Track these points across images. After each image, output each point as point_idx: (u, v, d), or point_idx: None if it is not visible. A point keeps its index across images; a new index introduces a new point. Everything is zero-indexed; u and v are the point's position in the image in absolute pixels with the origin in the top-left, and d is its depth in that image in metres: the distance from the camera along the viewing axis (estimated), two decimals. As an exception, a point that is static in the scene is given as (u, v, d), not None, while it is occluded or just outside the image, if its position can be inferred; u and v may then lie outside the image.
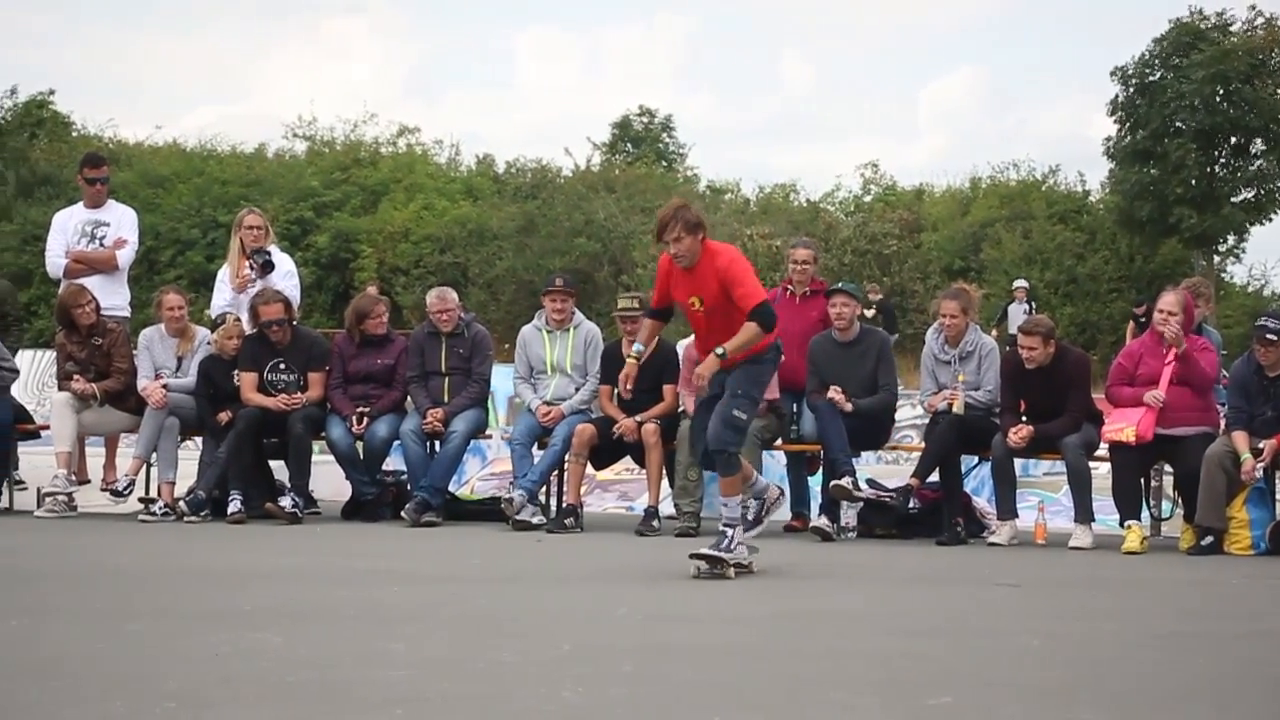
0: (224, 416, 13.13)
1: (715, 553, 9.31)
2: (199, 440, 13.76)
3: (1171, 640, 7.29)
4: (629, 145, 54.83)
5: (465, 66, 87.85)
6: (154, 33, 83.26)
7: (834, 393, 12.56)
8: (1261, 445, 11.74)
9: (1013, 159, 49.50)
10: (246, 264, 13.93)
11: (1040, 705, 5.43)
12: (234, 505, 12.76)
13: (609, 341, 13.73)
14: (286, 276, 14.17)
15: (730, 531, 9.37)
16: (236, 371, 13.30)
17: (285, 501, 12.90)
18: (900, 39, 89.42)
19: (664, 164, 53.91)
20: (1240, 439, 11.78)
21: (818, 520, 12.51)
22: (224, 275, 14.28)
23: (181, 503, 12.93)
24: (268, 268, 13.89)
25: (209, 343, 13.53)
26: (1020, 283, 33.03)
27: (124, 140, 50.75)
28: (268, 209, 37.79)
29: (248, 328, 13.42)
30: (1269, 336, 11.82)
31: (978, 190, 48.58)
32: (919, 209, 46.92)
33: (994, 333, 26.24)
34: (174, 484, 13.18)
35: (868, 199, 50.09)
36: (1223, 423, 12.24)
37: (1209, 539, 11.75)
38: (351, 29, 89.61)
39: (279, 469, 13.52)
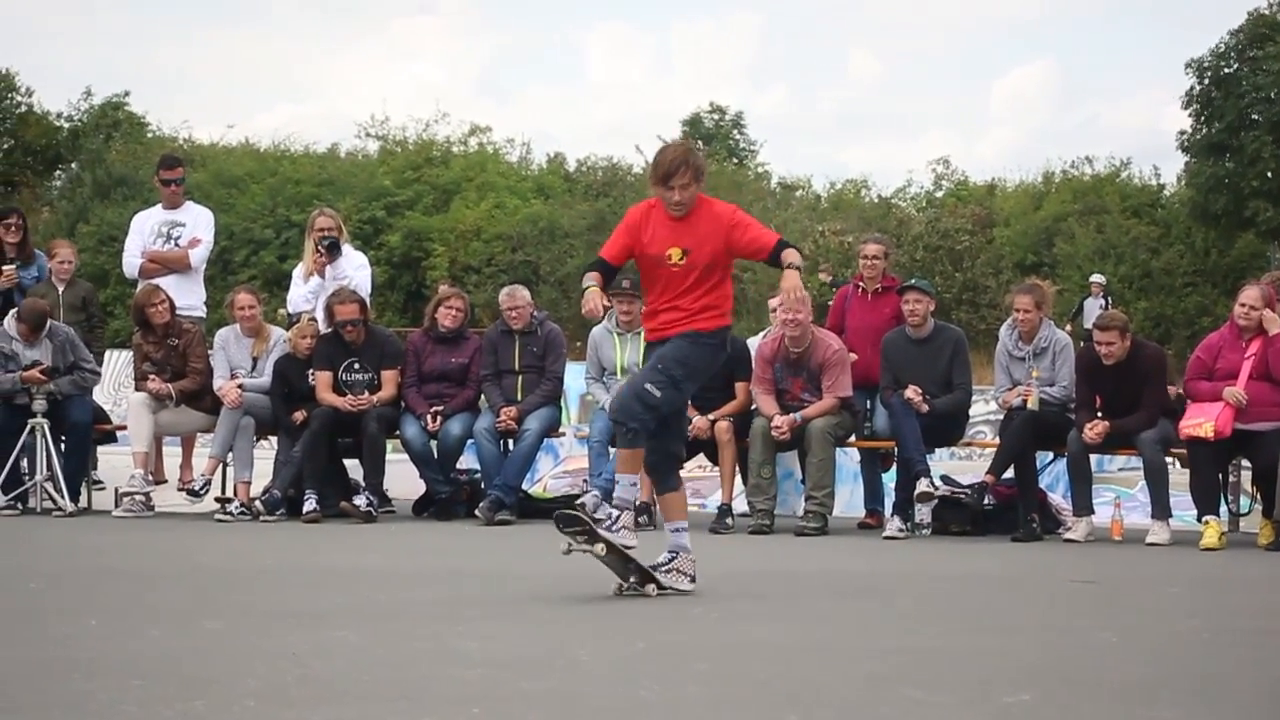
0: (299, 416, 13.20)
1: (589, 519, 8.51)
2: (274, 440, 13.83)
3: (1252, 637, 7.23)
4: (700, 142, 54.82)
5: (536, 64, 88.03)
6: (226, 33, 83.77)
7: (911, 393, 12.51)
8: None
9: (1086, 153, 49.20)
10: (319, 251, 13.98)
11: (1120, 702, 5.39)
12: (309, 504, 12.82)
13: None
14: (359, 269, 14.24)
15: (616, 513, 8.47)
16: (311, 371, 13.36)
17: (360, 500, 12.96)
18: (970, 32, 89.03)
19: (735, 160, 53.90)
20: None
21: (890, 525, 12.46)
22: (299, 274, 14.36)
23: (257, 502, 13.02)
24: (334, 250, 13.95)
25: (284, 341, 13.60)
26: (1097, 278, 32.85)
27: (198, 141, 51.16)
28: (340, 208, 38.08)
29: (323, 327, 13.49)
30: None
31: (1050, 185, 48.38)
32: (991, 204, 46.74)
33: (1069, 328, 26.08)
34: (250, 483, 13.25)
35: (939, 194, 49.92)
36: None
37: (1289, 534, 11.66)
38: (423, 28, 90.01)
39: (354, 468, 13.58)
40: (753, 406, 13.00)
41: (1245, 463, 12.79)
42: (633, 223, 8.63)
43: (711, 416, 12.88)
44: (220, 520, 12.89)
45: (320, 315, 13.65)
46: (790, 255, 8.34)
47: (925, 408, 12.53)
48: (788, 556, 10.96)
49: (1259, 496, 12.56)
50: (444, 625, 7.10)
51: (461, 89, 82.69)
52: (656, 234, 8.47)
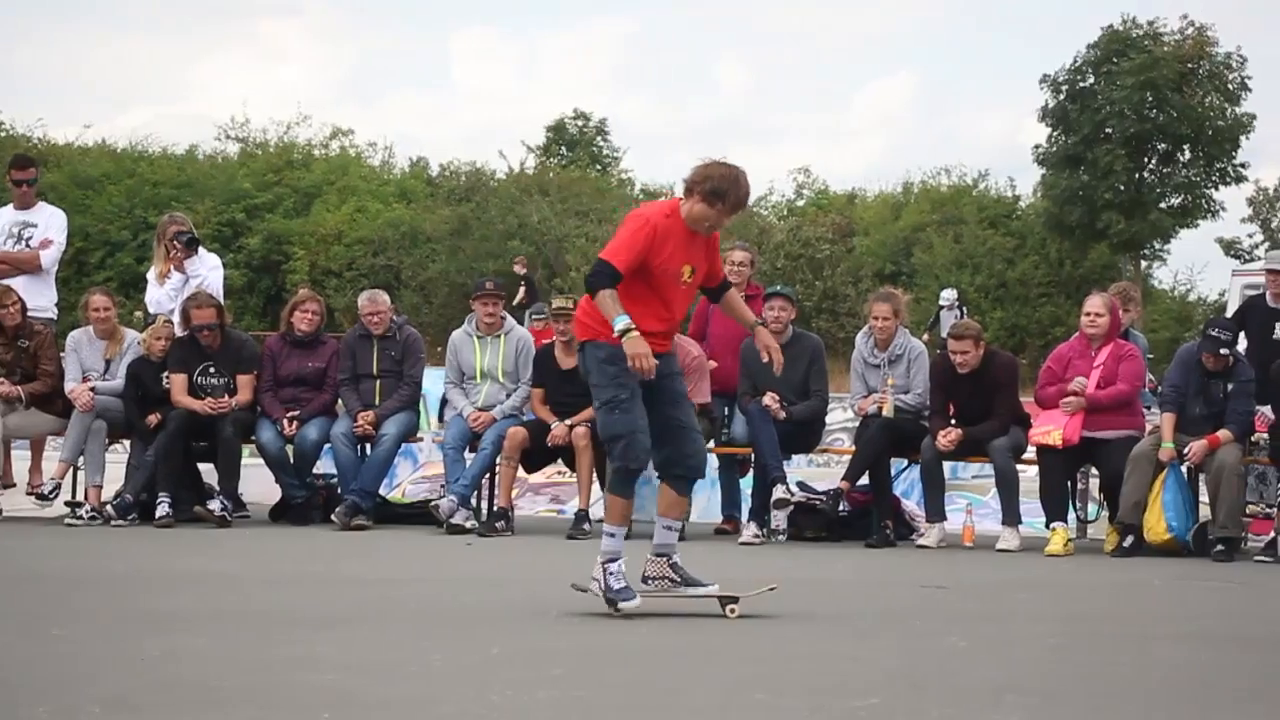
0: (153, 419, 13.05)
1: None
2: (126, 443, 13.66)
3: (1096, 641, 7.36)
4: (563, 149, 54.85)
5: (401, 69, 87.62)
6: (84, 31, 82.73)
7: (769, 400, 12.58)
8: (1188, 450, 11.83)
9: (944, 164, 49.80)
10: (174, 248, 13.84)
11: (967, 706, 5.47)
12: (162, 509, 12.66)
13: (541, 346, 13.71)
14: (213, 269, 14.13)
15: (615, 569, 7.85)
16: (165, 374, 13.22)
17: (214, 505, 12.83)
18: (834, 43, 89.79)
19: (599, 167, 53.97)
20: (1168, 422, 11.89)
21: (746, 530, 12.52)
22: (153, 277, 14.21)
23: (109, 506, 12.84)
24: (193, 245, 13.85)
25: (138, 344, 13.45)
26: (947, 293, 33.13)
27: (53, 141, 50.36)
28: (199, 211, 37.77)
29: (179, 330, 13.35)
30: (1222, 352, 11.90)
31: (909, 195, 48.89)
32: (851, 213, 47.20)
33: (925, 337, 26.35)
34: (101, 487, 13.07)
35: (800, 203, 50.29)
36: (1148, 425, 12.36)
37: (1130, 539, 11.85)
38: (287, 30, 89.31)
39: (208, 472, 13.45)
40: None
41: (1094, 470, 13.00)
42: (658, 234, 7.89)
43: (569, 422, 12.87)
44: (70, 525, 12.69)
45: (177, 318, 13.51)
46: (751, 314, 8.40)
47: (783, 415, 12.61)
48: (644, 562, 10.98)
49: (1106, 503, 12.77)
50: (298, 630, 7.06)
51: (325, 92, 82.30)
52: (677, 250, 7.94)
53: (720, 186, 7.82)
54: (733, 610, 7.77)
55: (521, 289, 32.02)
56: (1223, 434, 11.86)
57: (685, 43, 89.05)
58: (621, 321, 7.64)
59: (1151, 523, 11.84)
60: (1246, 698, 5.79)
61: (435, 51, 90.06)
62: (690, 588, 7.95)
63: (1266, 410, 12.32)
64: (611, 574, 7.79)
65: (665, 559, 8.00)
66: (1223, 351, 11.90)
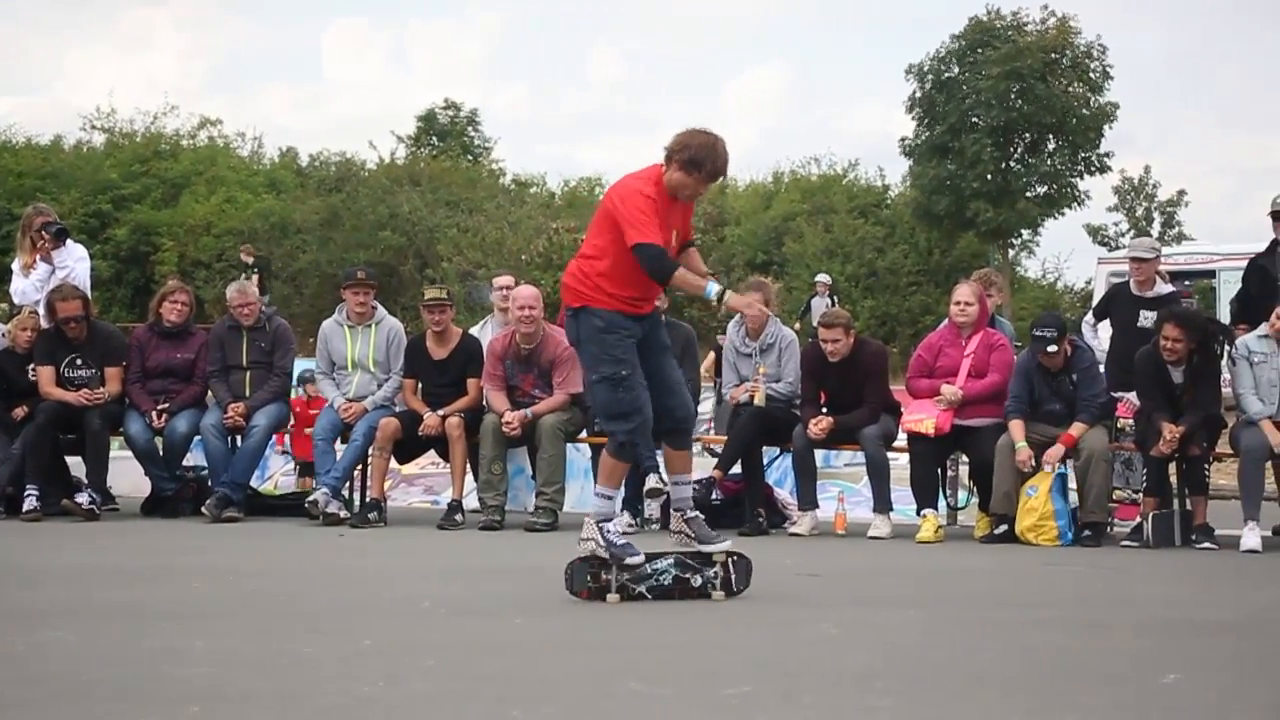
0: (20, 412, 12.88)
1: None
2: (-9, 437, 13.47)
3: (965, 626, 7.43)
4: (434, 139, 54.62)
5: (270, 59, 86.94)
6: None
7: None
8: (1045, 457, 11.96)
9: (815, 154, 50.10)
10: (42, 238, 13.66)
11: (838, 693, 5.51)
12: (30, 502, 12.51)
13: (411, 335, 13.67)
14: (80, 260, 13.96)
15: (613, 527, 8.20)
16: (31, 366, 13.05)
17: (82, 498, 12.68)
18: (707, 32, 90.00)
19: (470, 158, 53.80)
20: (1016, 428, 12.04)
21: (620, 519, 12.47)
22: (18, 268, 14.02)
23: (-27, 501, 12.67)
24: (62, 235, 13.70)
25: (2, 335, 13.26)
26: (822, 277, 33.43)
27: (-89, 131, 49.53)
28: (65, 202, 37.27)
29: (44, 322, 13.17)
30: (1049, 350, 12.06)
31: (780, 184, 49.11)
32: (722, 203, 47.29)
33: (797, 326, 26.52)
34: (-35, 482, 12.90)
35: (672, 193, 50.32)
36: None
37: (1003, 527, 11.99)
38: (154, 20, 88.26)
39: (75, 465, 13.29)
40: (484, 402, 13.00)
41: (964, 457, 13.14)
42: (660, 208, 7.94)
43: (442, 413, 12.85)
44: (-65, 520, 12.53)
45: (42, 309, 13.34)
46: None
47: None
48: (518, 552, 11.00)
49: (976, 490, 12.91)
50: (167, 623, 7.00)
51: (193, 82, 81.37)
52: (663, 219, 8.01)
53: (698, 155, 7.92)
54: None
55: (256, 276, 31.70)
56: (1075, 428, 12.02)
57: (557, 32, 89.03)
58: (714, 288, 8.04)
59: (1043, 528, 11.89)
60: (1110, 681, 5.87)
61: (305, 41, 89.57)
62: (704, 544, 8.22)
63: (1131, 396, 12.50)
64: (610, 533, 8.05)
65: (680, 514, 8.30)
66: (1050, 350, 12.07)
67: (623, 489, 13.09)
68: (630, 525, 12.34)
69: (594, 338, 8.05)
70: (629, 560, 8.01)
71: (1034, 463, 11.92)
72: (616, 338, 7.99)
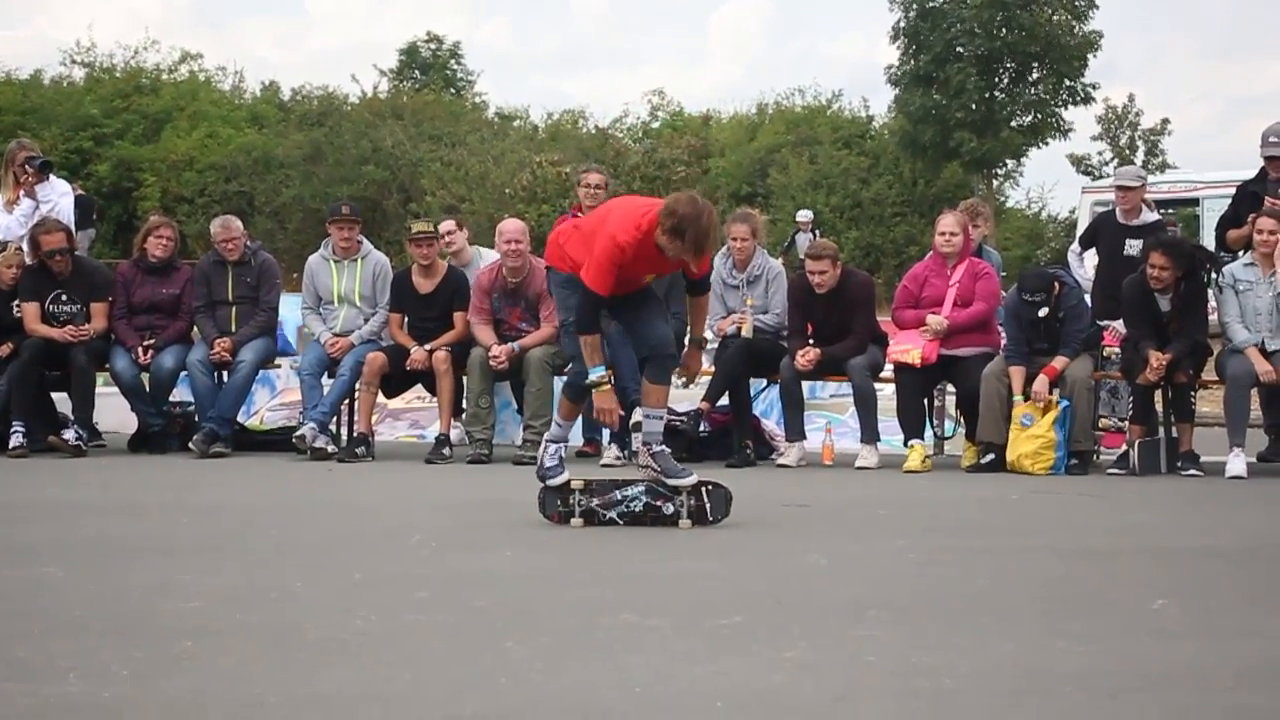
0: (4, 349, 12.85)
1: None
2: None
3: (955, 555, 7.45)
4: (417, 73, 54.39)
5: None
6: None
7: None
8: (1033, 390, 11.97)
9: (798, 85, 50.01)
10: (25, 173, 13.60)
11: (829, 621, 5.53)
12: (16, 439, 12.50)
13: (398, 270, 13.64)
14: (63, 195, 13.91)
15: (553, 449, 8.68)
16: (16, 302, 13.02)
17: (69, 434, 12.67)
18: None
19: (452, 91, 53.60)
20: (1017, 374, 12.04)
21: (608, 452, 12.55)
22: (0, 203, 13.94)
23: (-41, 437, 12.66)
24: (46, 169, 13.65)
25: (-14, 272, 13.22)
26: (803, 215, 33.34)
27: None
28: (45, 138, 37.08)
29: (28, 258, 13.12)
30: (1041, 314, 12.05)
31: (764, 116, 48.99)
32: (706, 135, 47.21)
33: (781, 260, 26.50)
34: (-49, 418, 12.88)
35: (656, 125, 50.24)
36: (1003, 342, 12.50)
37: (990, 456, 12.01)
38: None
39: (61, 401, 13.28)
40: (470, 336, 12.99)
41: (950, 387, 13.16)
42: (627, 255, 8.25)
43: (429, 347, 12.84)
44: (-79, 457, 12.52)
45: (26, 245, 13.29)
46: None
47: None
48: (507, 486, 10.99)
49: (963, 420, 12.93)
50: (157, 558, 7.01)
51: (175, 16, 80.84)
52: (643, 262, 8.41)
53: (680, 225, 8.17)
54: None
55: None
56: (1058, 361, 12.04)
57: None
58: (596, 374, 8.42)
59: (1041, 456, 11.91)
60: (1100, 607, 5.90)
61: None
62: (669, 479, 8.44)
63: (1118, 325, 12.52)
64: (549, 453, 8.60)
65: (648, 448, 8.51)
66: (1041, 314, 12.07)
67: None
68: (618, 458, 12.35)
69: (570, 288, 8.52)
70: (550, 481, 8.52)
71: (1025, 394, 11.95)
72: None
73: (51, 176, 13.90)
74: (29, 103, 45.93)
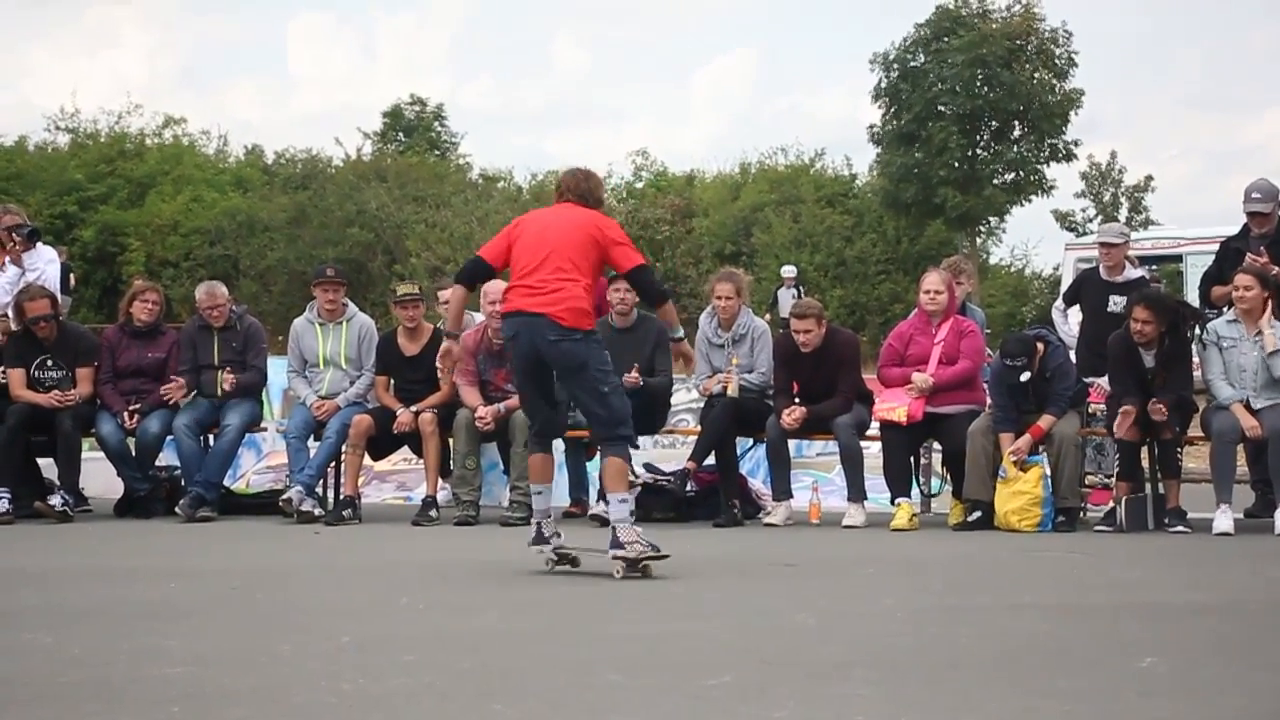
0: (-9, 416, 12.84)
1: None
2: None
3: (942, 614, 7.46)
4: (400, 135, 54.50)
5: (234, 56, 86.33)
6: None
7: (631, 375, 12.55)
8: (1013, 450, 11.98)
9: (781, 144, 50.19)
10: (12, 241, 13.58)
11: (815, 682, 5.53)
12: (1, 505, 12.46)
13: (383, 332, 13.65)
14: (50, 263, 13.88)
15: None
16: (1, 368, 13.01)
17: (55, 500, 12.64)
18: (673, 22, 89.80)
19: (437, 153, 53.72)
20: (1006, 441, 12.05)
21: (596, 507, 12.55)
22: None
23: (-54, 504, 12.62)
24: (34, 237, 13.64)
25: (-30, 339, 13.22)
26: (788, 270, 33.44)
27: (-125, 133, 49.20)
28: (30, 203, 37.09)
29: (13, 324, 13.12)
30: (1023, 379, 12.05)
31: (747, 175, 49.10)
32: (690, 194, 47.30)
33: (766, 317, 26.55)
34: (-62, 485, 12.84)
35: (639, 185, 50.36)
36: (989, 400, 12.52)
37: (977, 514, 12.02)
38: (117, 17, 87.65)
39: (47, 467, 13.26)
40: (456, 398, 12.99)
41: (936, 445, 13.17)
42: (513, 232, 9.56)
43: (415, 409, 12.84)
44: (-93, 524, 12.48)
45: (10, 312, 13.28)
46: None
47: (640, 382, 12.59)
48: (494, 547, 11.00)
49: (949, 477, 12.94)
50: (144, 623, 6.99)
51: (158, 81, 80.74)
52: (522, 240, 9.43)
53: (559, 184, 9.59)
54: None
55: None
56: (1044, 420, 12.04)
57: (521, 23, 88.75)
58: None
59: (1029, 514, 11.92)
60: (1088, 665, 5.90)
61: (270, 37, 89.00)
62: (537, 544, 9.26)
63: (1102, 382, 12.54)
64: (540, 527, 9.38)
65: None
66: (1023, 379, 12.08)
67: (594, 481, 13.13)
68: (605, 512, 12.31)
69: (599, 355, 9.04)
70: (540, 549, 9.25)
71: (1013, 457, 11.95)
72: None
73: (39, 244, 13.89)
74: (14, 168, 45.92)
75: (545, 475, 9.48)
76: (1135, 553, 10.68)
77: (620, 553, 8.75)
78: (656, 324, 13.25)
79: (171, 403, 13.12)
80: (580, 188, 9.41)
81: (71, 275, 17.26)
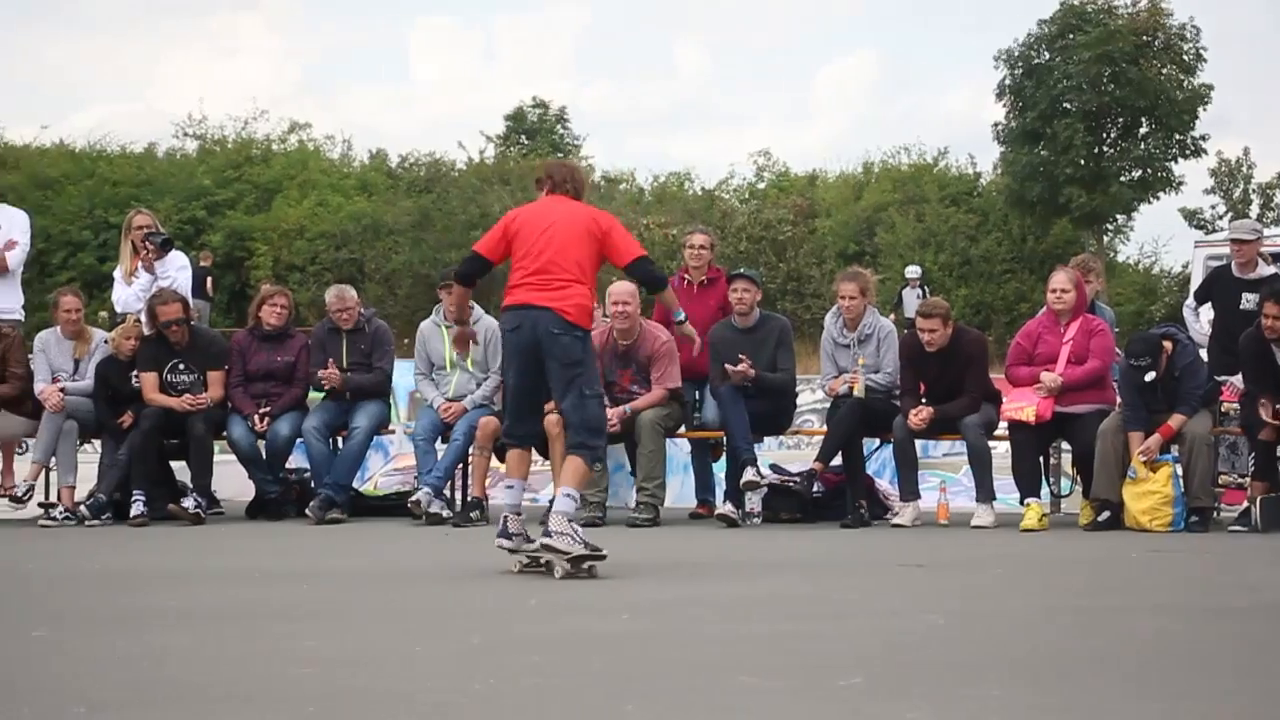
0: (126, 419, 13.02)
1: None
2: (97, 443, 13.61)
3: (1073, 615, 7.39)
4: (523, 138, 54.72)
5: (358, 61, 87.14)
6: (37, 30, 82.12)
7: (741, 365, 12.55)
8: (1143, 449, 11.84)
9: (904, 143, 49.87)
10: (145, 248, 13.76)
11: (949, 682, 5.49)
12: (137, 507, 12.64)
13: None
14: (180, 269, 14.05)
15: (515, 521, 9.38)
16: (135, 373, 13.19)
17: (188, 503, 12.80)
18: (794, 23, 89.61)
19: (559, 155, 53.88)
20: (1136, 440, 11.92)
21: (723, 507, 12.55)
22: (119, 276, 14.13)
23: (82, 506, 12.82)
24: (167, 246, 13.82)
25: (106, 343, 13.41)
26: (912, 271, 33.25)
27: (11, 142, 50.02)
28: (159, 209, 37.59)
29: (146, 329, 13.30)
30: (1148, 379, 11.91)
31: (870, 175, 48.86)
32: (812, 195, 47.13)
33: (891, 317, 26.41)
34: (74, 488, 13.05)
35: (761, 186, 50.27)
36: (1118, 399, 12.39)
37: (1106, 514, 11.89)
38: (243, 25, 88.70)
39: (180, 470, 13.43)
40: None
41: (1065, 445, 13.06)
42: (510, 227, 9.83)
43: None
44: (45, 526, 12.68)
45: (144, 317, 13.46)
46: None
47: (752, 373, 12.58)
48: (621, 548, 10.98)
49: (1079, 478, 12.82)
50: (278, 625, 7.05)
51: (284, 87, 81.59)
52: (519, 237, 9.69)
53: (541, 173, 9.76)
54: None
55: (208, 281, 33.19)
56: (1174, 420, 11.90)
57: (643, 26, 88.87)
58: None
59: (1160, 513, 11.79)
60: (1224, 669, 5.83)
61: (393, 42, 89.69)
62: (502, 539, 9.33)
63: (1236, 380, 12.38)
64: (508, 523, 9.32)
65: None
66: (1148, 379, 11.94)
67: (721, 483, 13.13)
68: (733, 511, 12.34)
69: (591, 356, 9.24)
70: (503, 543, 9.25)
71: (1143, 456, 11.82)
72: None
73: (171, 251, 14.06)
74: (144, 175, 46.55)
75: (520, 470, 9.50)
76: (1271, 553, 10.53)
77: (547, 541, 8.74)
78: (779, 323, 13.27)
79: (327, 389, 13.26)
80: (573, 181, 9.59)
81: (209, 280, 17.47)
